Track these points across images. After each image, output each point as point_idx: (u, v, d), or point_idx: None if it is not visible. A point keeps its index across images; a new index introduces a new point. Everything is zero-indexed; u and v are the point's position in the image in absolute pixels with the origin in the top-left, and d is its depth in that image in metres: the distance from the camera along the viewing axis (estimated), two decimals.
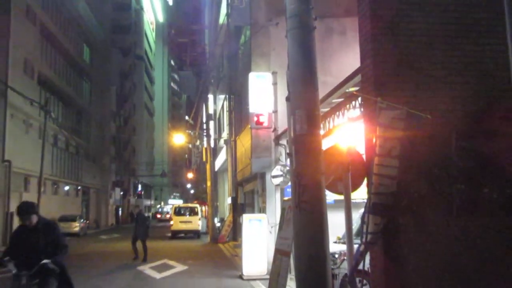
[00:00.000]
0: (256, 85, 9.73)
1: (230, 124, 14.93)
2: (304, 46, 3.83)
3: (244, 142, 11.84)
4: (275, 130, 9.65)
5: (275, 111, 9.68)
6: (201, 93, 21.04)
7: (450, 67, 3.38)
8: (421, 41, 3.43)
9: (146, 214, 18.31)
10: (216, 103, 21.94)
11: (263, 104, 9.62)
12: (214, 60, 21.87)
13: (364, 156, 3.85)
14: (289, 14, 3.87)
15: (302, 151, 3.69)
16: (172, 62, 58.97)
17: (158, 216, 39.82)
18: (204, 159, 20.69)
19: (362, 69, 4.19)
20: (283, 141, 9.06)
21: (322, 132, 5.09)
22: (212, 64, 21.37)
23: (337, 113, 5.49)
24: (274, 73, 9.85)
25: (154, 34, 50.00)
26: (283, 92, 8.81)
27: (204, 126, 20.91)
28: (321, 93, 4.32)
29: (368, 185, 3.47)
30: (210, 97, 21.13)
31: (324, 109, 6.11)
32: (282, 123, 9.05)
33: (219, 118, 21.22)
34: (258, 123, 9.53)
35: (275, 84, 9.82)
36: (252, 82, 9.76)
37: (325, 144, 4.25)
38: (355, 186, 3.85)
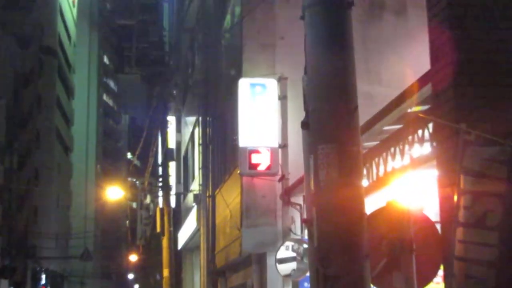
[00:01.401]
0: (251, 100, 9.89)
1: (204, 167, 15.16)
2: (333, 33, 3.91)
3: (229, 199, 11.87)
4: (283, 178, 9.70)
5: (284, 146, 9.78)
6: (155, 113, 21.39)
7: None
8: None
9: None
10: (182, 131, 22.45)
11: (262, 134, 9.75)
12: (178, 57, 22.42)
13: (438, 227, 3.91)
14: None
15: (330, 216, 3.72)
16: (107, 60, 60.08)
17: None
18: (158, 229, 20.71)
19: (434, 75, 4.26)
20: (298, 198, 9.14)
21: (365, 183, 5.09)
22: (175, 64, 21.85)
23: (391, 150, 5.57)
24: (282, 79, 10.04)
25: (75, 12, 50.80)
26: (297, 112, 8.97)
27: (160, 171, 21.41)
28: (364, 114, 4.38)
29: (446, 279, 3.47)
30: (171, 120, 21.62)
31: (368, 143, 6.20)
32: (296, 167, 9.11)
33: (185, 158, 21.60)
34: (254, 166, 9.61)
35: (283, 98, 9.97)
36: (244, 96, 9.92)
37: (371, 205, 4.25)
38: (424, 280, 3.89)
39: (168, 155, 20.35)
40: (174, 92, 20.73)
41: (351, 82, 3.89)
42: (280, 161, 9.64)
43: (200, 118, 16.17)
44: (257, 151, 9.59)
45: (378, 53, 10.43)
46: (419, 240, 3.90)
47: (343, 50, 3.89)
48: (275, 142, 9.67)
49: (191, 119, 19.03)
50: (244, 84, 9.88)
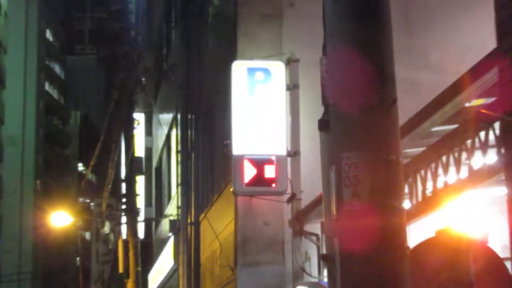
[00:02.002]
0: (249, 90, 9.94)
1: (185, 184, 15.20)
2: None
3: (219, 227, 11.95)
4: (293, 199, 9.71)
5: (294, 154, 9.82)
6: (117, 109, 21.42)
7: None
8: None
9: None
10: (154, 134, 22.63)
11: (265, 137, 9.79)
12: (148, 32, 22.39)
13: (508, 264, 3.99)
14: None
15: (359, 251, 3.76)
16: (51, 36, 60.15)
17: None
18: (120, 270, 20.64)
19: (501, 56, 4.25)
20: (314, 226, 9.17)
21: (406, 204, 5.08)
22: (145, 42, 21.84)
23: (443, 159, 5.59)
24: (291, 62, 10.07)
25: None
26: (312, 107, 8.93)
27: (123, 189, 21.47)
28: (405, 110, 4.38)
29: None
30: (139, 119, 21.71)
31: (411, 150, 6.20)
32: (311, 183, 9.14)
33: (158, 170, 21.82)
34: (253, 181, 9.64)
35: (293, 88, 10.00)
36: (239, 85, 9.97)
37: (415, 235, 4.24)
38: None
39: (135, 166, 20.31)
40: (143, 80, 20.75)
41: (387, 66, 3.92)
42: (289, 175, 9.66)
43: (179, 116, 16.19)
44: (257, 161, 9.62)
45: (424, 27, 10.46)
46: (482, 282, 3.89)
47: (377, 22, 3.93)
48: (282, 148, 9.69)
49: (167, 118, 19.07)
50: (239, 69, 9.91)
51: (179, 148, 15.92)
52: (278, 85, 9.86)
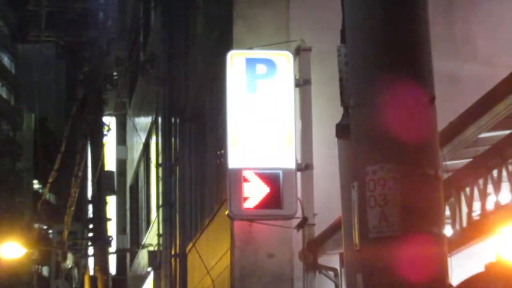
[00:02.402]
0: (248, 87, 9.98)
1: (167, 206, 15.24)
2: None
3: (211, 259, 11.97)
4: (305, 224, 9.70)
5: (306, 168, 9.83)
6: (81, 112, 21.39)
7: None
8: None
9: None
10: (128, 143, 22.66)
11: (269, 146, 9.84)
12: (121, 15, 22.31)
13: None
14: None
15: None
16: None
17: None
18: None
19: None
20: (331, 259, 9.20)
21: (448, 230, 5.08)
22: (117, 27, 21.81)
23: (493, 174, 5.58)
24: (302, 52, 10.09)
25: None
26: (328, 107, 8.90)
27: (90, 212, 21.42)
28: (445, 111, 4.36)
29: None
30: (110, 123, 21.70)
31: (454, 162, 6.20)
32: (326, 204, 9.18)
33: (134, 188, 21.83)
34: (255, 203, 9.66)
35: (304, 84, 10.02)
36: (236, 80, 10.01)
37: (460, 269, 4.24)
38: None
39: (105, 184, 20.31)
40: (115, 74, 20.77)
41: (423, 56, 3.94)
42: (299, 194, 9.67)
43: (160, 120, 16.19)
44: (259, 177, 9.64)
45: (467, 10, 10.47)
46: None
47: (410, 3, 3.96)
48: (291, 160, 9.70)
49: (144, 122, 19.10)
50: (236, 61, 9.91)
51: (160, 161, 15.90)
52: (285, 81, 9.86)
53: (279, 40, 10.26)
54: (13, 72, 62.20)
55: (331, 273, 9.23)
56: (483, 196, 5.72)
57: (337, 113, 4.08)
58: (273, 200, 9.61)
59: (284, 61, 9.89)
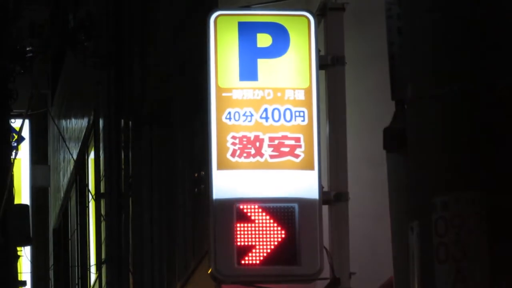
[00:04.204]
0: (238, 70, 10.09)
1: (113, 262, 15.37)
2: None
3: None
4: (335, 287, 9.75)
5: (337, 198, 9.88)
6: None
7: None
8: None
9: None
10: (51, 159, 22.69)
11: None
12: None
13: None
14: None
15: None
16: None
17: None
18: None
19: None
20: None
21: None
22: None
23: None
24: (330, 12, 10.20)
25: None
26: (371, 99, 8.97)
27: None
28: None
29: None
30: (21, 130, 21.37)
31: None
32: (368, 255, 9.26)
33: (60, 232, 22.19)
34: (255, 257, 9.73)
35: (334, 63, 10.09)
36: (223, 56, 10.11)
37: None
38: None
39: (14, 227, 20.41)
40: (29, 50, 20.82)
41: None
42: (326, 241, 9.76)
43: (101, 123, 16.23)
44: (262, 213, 9.77)
45: None
46: None
47: None
48: (312, 187, 9.85)
49: (77, 126, 19.14)
50: (224, 27, 10.09)
51: (102, 189, 15.95)
52: (302, 59, 10.00)
53: None
54: None
55: None
56: None
57: (386, 110, 4.09)
58: (285, 251, 9.72)
59: (301, 27, 10.01)
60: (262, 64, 9.91)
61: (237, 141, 9.83)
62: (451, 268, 3.81)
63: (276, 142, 9.86)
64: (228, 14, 10.10)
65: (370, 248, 8.83)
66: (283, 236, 9.65)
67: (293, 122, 9.85)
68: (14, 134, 20.79)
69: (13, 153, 20.72)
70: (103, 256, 15.78)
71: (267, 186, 9.77)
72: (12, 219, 20.33)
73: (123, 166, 15.09)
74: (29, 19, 20.01)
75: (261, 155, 9.83)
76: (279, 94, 9.89)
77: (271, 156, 9.82)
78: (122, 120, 15.13)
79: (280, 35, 9.90)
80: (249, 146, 9.82)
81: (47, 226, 22.14)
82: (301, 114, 9.87)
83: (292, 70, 9.90)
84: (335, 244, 9.75)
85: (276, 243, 9.65)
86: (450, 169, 3.89)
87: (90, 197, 17.57)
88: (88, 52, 16.46)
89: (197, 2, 11.40)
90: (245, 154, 9.84)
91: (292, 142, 9.83)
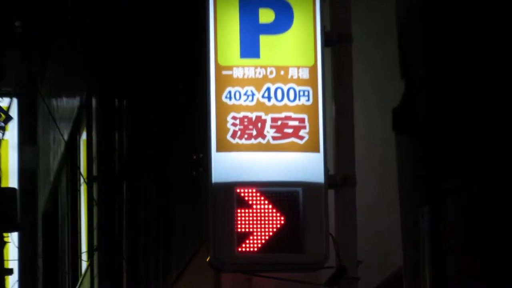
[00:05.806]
0: (238, 47, 10.12)
1: (105, 250, 15.40)
2: None
3: None
4: (341, 277, 9.75)
5: (344, 182, 9.99)
6: None
7: None
8: None
9: None
10: (41, 141, 23.03)
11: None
12: None
13: None
14: None
15: None
16: None
17: None
18: None
19: None
20: None
21: None
22: None
23: None
24: None
25: None
26: (380, 78, 8.98)
27: None
28: None
29: None
30: (8, 109, 21.23)
31: None
32: (376, 245, 9.37)
33: (49, 217, 22.14)
34: (256, 243, 9.78)
35: (340, 40, 10.17)
36: (223, 34, 10.14)
37: None
38: None
39: (1, 212, 20.48)
40: (16, 24, 20.82)
41: None
42: (332, 228, 9.82)
43: (94, 102, 16.23)
44: (263, 198, 9.82)
45: None
46: None
47: None
48: (317, 170, 9.90)
49: (67, 105, 19.17)
50: (223, 3, 10.13)
51: (94, 172, 15.95)
52: (307, 36, 10.05)
53: None
54: None
55: None
56: None
57: (395, 91, 4.12)
58: (288, 238, 9.77)
59: (305, 1, 10.05)
60: (265, 40, 9.94)
61: (237, 121, 9.87)
62: (462, 253, 3.83)
63: (279, 123, 9.90)
64: None
65: (378, 235, 8.85)
66: (286, 222, 9.67)
67: (297, 102, 9.89)
68: (1, 114, 20.80)
69: (0, 134, 20.76)
70: (95, 243, 15.79)
71: (270, 169, 9.79)
72: None
73: (116, 148, 15.08)
74: None
75: (263, 137, 9.86)
76: (282, 73, 9.93)
77: (274, 138, 9.85)
78: (116, 98, 15.11)
79: (283, 10, 9.93)
80: (251, 127, 9.84)
81: (36, 211, 22.11)
82: (306, 93, 9.91)
83: (296, 47, 9.94)
84: (342, 230, 9.78)
85: (277, 229, 9.68)
86: (462, 152, 3.89)
87: (82, 180, 17.57)
88: (76, 25, 16.49)
89: None
90: (246, 136, 9.87)
91: (296, 123, 9.86)
